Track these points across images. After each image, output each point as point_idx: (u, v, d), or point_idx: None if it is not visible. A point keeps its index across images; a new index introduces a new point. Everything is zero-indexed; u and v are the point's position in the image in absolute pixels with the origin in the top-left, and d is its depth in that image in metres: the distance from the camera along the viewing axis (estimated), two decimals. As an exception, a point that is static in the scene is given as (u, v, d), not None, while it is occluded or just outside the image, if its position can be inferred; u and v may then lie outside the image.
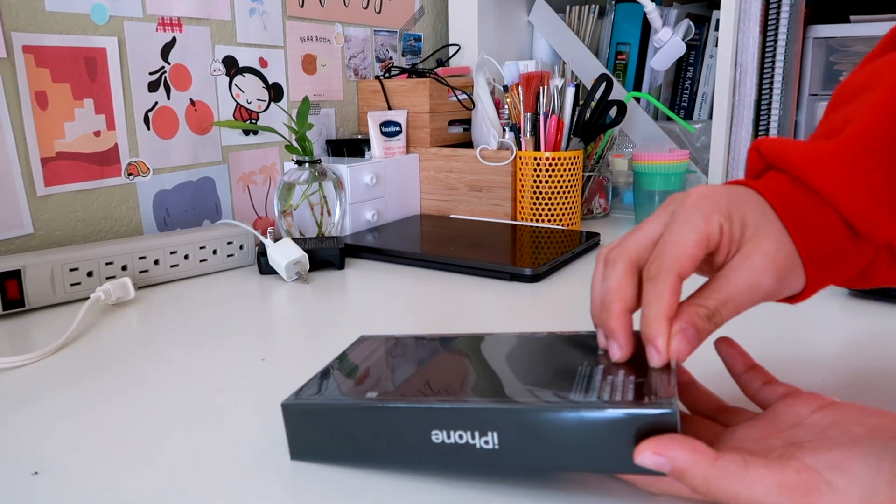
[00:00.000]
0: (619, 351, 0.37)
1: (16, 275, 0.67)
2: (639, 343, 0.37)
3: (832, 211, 0.38)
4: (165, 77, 0.88)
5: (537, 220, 1.03)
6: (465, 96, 1.15)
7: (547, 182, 1.02)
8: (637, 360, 0.37)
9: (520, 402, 0.34)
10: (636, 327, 0.37)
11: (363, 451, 0.38)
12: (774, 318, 0.63)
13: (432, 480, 0.38)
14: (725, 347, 0.41)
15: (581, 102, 1.03)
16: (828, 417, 0.34)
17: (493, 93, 1.11)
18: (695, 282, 0.38)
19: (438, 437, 0.35)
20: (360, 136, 1.14)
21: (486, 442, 0.35)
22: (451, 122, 1.16)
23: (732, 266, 0.36)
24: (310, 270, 0.80)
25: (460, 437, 0.35)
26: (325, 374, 0.43)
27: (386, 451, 0.37)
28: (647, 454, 0.31)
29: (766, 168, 0.41)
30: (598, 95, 1.02)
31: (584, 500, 0.36)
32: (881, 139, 0.38)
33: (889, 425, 0.31)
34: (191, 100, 0.92)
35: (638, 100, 1.23)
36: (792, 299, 0.39)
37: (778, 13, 1.08)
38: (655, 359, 0.35)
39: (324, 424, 0.38)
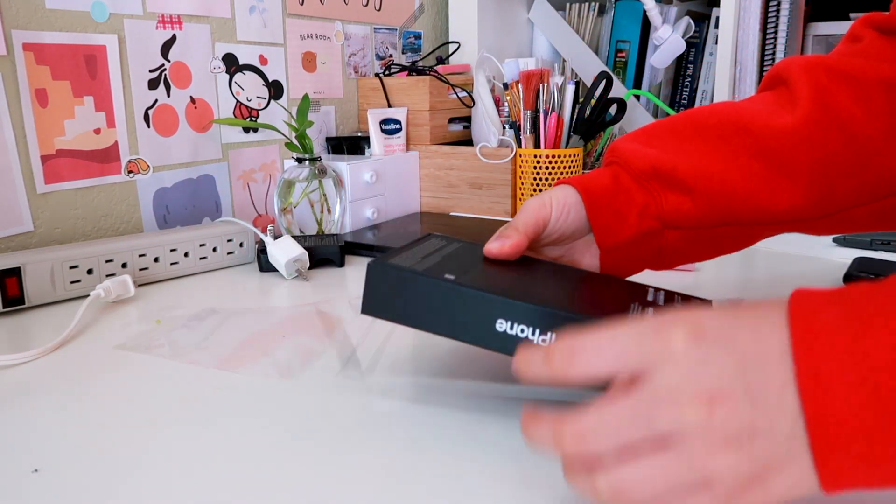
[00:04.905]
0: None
1: (16, 272, 0.67)
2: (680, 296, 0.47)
3: (614, 184, 0.52)
4: (165, 75, 0.88)
5: (537, 218, 1.03)
6: (465, 94, 1.15)
7: (547, 180, 1.02)
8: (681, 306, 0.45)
9: (584, 313, 0.39)
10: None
11: (430, 320, 0.43)
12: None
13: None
14: None
15: (581, 100, 1.03)
16: None
17: (493, 90, 1.11)
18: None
19: (502, 326, 0.41)
20: (360, 134, 1.14)
21: (544, 340, 0.40)
22: (451, 120, 1.16)
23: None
24: (310, 268, 0.80)
25: (522, 330, 0.40)
26: (405, 249, 0.47)
27: (452, 325, 0.42)
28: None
29: (608, 164, 0.55)
30: (598, 93, 1.02)
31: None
32: (657, 126, 0.55)
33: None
34: (191, 97, 0.92)
35: (638, 97, 1.23)
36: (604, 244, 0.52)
37: (778, 10, 1.08)
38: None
39: (401, 289, 0.43)
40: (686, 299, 0.47)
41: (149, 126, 0.87)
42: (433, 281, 0.42)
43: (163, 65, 0.88)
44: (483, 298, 0.41)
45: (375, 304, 0.44)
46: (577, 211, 0.52)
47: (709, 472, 0.29)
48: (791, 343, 0.29)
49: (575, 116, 1.03)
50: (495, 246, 0.48)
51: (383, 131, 1.08)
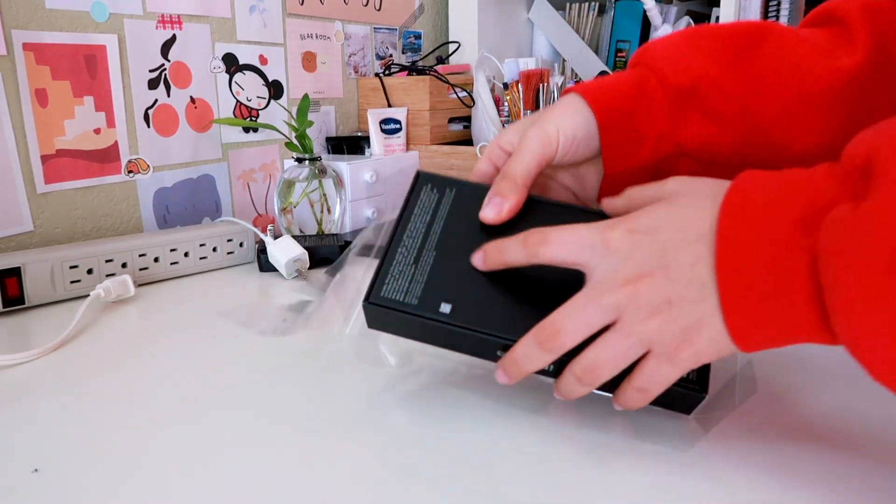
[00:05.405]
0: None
1: (16, 272, 0.67)
2: None
3: (631, 97, 0.47)
4: (165, 74, 0.88)
5: (537, 218, 1.03)
6: (464, 94, 1.15)
7: (547, 179, 1.02)
8: None
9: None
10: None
11: (433, 341, 0.45)
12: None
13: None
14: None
15: (581, 100, 1.03)
16: None
17: (492, 90, 1.11)
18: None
19: (501, 354, 0.42)
20: (360, 134, 1.15)
21: (544, 371, 0.41)
22: (451, 120, 1.16)
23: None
24: (310, 268, 0.80)
25: None
26: (397, 243, 0.45)
27: (453, 348, 0.44)
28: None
29: (634, 65, 0.50)
30: (597, 93, 1.02)
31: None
32: (701, 30, 0.49)
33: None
34: (191, 97, 0.92)
35: (638, 97, 1.23)
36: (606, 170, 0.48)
37: (778, 10, 1.08)
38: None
39: (400, 323, 0.44)
40: None
41: (149, 126, 0.87)
42: (429, 322, 0.42)
43: (163, 65, 0.88)
44: (480, 338, 0.42)
45: (378, 326, 0.45)
46: (587, 143, 0.46)
47: (646, 338, 0.36)
48: (717, 227, 0.35)
49: (575, 116, 1.02)
50: (492, 214, 0.44)
51: (383, 131, 1.08)
